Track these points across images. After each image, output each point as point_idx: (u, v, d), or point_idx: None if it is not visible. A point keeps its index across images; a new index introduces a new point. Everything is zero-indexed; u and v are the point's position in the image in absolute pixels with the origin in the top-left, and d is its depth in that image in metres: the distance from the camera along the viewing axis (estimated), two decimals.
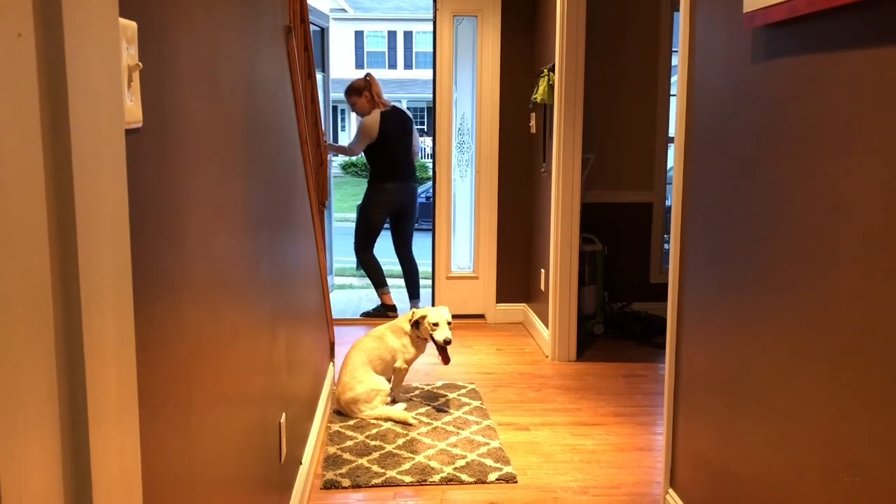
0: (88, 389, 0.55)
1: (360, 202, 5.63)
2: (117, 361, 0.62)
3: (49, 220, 0.53)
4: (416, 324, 3.58)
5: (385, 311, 5.34)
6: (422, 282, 5.54)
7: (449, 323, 3.54)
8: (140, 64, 0.97)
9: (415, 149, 5.34)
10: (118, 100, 0.69)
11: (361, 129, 5.21)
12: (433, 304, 5.24)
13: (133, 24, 0.95)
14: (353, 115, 5.33)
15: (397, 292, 5.66)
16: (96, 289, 0.59)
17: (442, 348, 3.53)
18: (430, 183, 5.55)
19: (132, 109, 0.96)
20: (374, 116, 5.12)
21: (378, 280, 5.40)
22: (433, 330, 3.51)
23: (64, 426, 0.52)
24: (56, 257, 0.54)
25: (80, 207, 0.56)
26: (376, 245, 5.43)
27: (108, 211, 0.63)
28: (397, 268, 5.67)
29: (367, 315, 5.40)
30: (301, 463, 2.63)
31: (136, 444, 0.66)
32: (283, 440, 2.24)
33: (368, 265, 5.38)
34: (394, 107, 5.24)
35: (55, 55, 0.51)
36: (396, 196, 5.27)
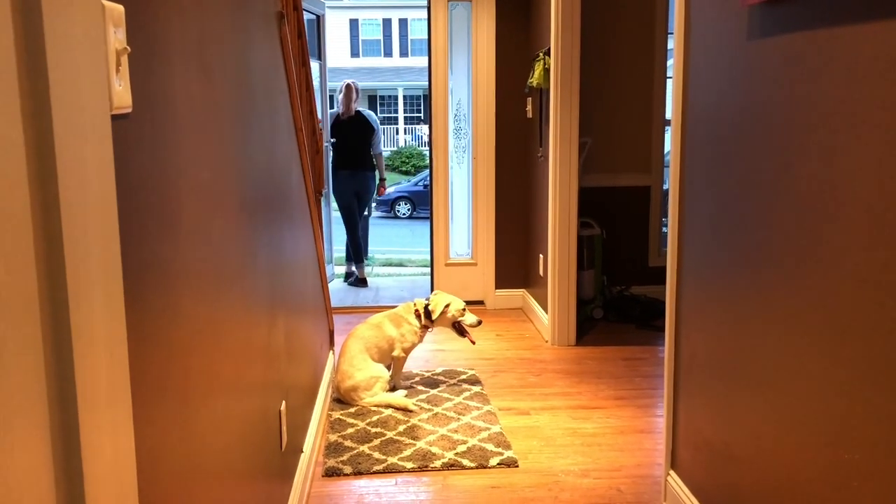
0: (77, 374, 0.54)
1: None
2: (107, 346, 0.62)
3: (32, 205, 0.52)
4: (428, 314, 3.62)
5: (358, 283, 6.24)
6: (421, 269, 5.70)
7: None
8: (128, 48, 0.95)
9: (375, 149, 6.36)
10: (103, 83, 0.68)
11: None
12: (432, 291, 5.25)
13: (120, 7, 0.94)
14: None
15: (396, 280, 5.75)
16: (83, 274, 0.58)
17: (465, 331, 3.71)
18: (427, 171, 5.73)
19: (121, 94, 0.95)
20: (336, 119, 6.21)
21: (355, 256, 6.34)
22: (461, 316, 3.69)
23: (53, 410, 0.52)
24: (40, 243, 0.53)
25: (63, 191, 0.55)
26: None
27: (95, 195, 0.62)
28: (396, 256, 5.77)
29: (348, 281, 6.32)
30: (302, 451, 2.64)
31: (129, 429, 0.66)
32: (284, 428, 2.24)
33: (352, 243, 6.36)
34: (357, 112, 6.22)
35: (33, 34, 0.50)
36: (350, 181, 6.20)
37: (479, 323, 3.72)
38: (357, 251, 6.32)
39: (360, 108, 6.35)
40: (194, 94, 1.35)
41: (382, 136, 6.75)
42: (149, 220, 1.05)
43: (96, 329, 0.59)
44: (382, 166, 6.54)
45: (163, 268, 1.11)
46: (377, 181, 6.60)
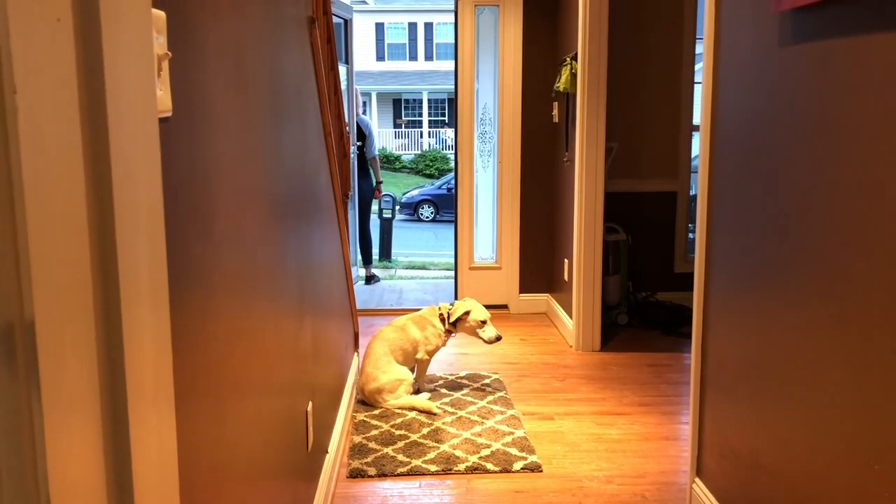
0: (128, 372, 0.56)
1: None
2: (154, 345, 0.63)
3: (88, 206, 0.54)
4: (450, 318, 3.62)
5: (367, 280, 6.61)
6: (445, 273, 5.72)
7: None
8: (169, 53, 0.98)
9: (368, 153, 6.57)
10: (151, 87, 0.69)
11: None
12: (456, 296, 5.26)
13: (162, 14, 0.96)
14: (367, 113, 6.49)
15: (419, 283, 5.76)
16: (134, 274, 0.59)
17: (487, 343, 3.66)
18: (451, 174, 5.76)
19: (162, 98, 0.97)
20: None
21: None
22: (480, 327, 3.61)
23: (105, 406, 0.53)
24: (96, 243, 0.55)
25: (117, 193, 0.56)
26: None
27: (144, 197, 0.64)
28: (420, 259, 5.79)
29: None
30: (327, 451, 2.65)
31: (172, 426, 0.67)
32: (310, 428, 2.26)
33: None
34: (361, 119, 6.47)
35: (92, 41, 0.52)
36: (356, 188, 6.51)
37: (498, 339, 3.60)
38: (364, 252, 6.56)
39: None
40: (230, 98, 1.37)
41: (376, 141, 6.88)
42: (187, 222, 1.08)
43: (145, 328, 0.61)
44: (378, 169, 6.64)
45: (199, 268, 1.13)
46: (374, 184, 6.70)
